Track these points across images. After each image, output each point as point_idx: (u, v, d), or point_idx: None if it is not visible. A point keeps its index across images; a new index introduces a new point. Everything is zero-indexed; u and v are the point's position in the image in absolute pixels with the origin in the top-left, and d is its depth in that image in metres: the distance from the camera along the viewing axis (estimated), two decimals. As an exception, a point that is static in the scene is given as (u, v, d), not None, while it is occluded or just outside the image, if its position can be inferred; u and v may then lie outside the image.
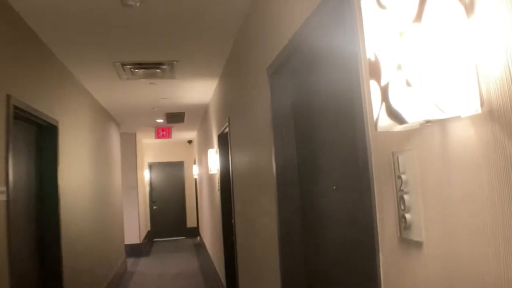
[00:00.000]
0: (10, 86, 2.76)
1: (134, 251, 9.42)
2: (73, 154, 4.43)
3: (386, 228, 1.18)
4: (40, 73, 3.46)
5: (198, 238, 11.72)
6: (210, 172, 6.45)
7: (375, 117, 0.90)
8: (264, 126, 2.63)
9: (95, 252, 5.40)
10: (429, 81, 0.77)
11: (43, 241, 3.56)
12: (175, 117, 7.81)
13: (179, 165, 12.88)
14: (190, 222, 12.72)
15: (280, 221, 2.31)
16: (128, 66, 4.41)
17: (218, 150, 5.55)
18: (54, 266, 3.62)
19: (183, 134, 10.82)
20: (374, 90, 0.90)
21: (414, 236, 1.03)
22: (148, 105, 6.69)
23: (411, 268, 1.06)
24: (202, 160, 8.60)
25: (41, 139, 3.62)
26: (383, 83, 0.86)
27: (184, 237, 12.50)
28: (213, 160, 6.08)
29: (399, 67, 0.82)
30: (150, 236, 11.95)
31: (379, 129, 0.90)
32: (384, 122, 0.87)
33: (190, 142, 12.71)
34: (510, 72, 0.72)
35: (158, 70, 4.63)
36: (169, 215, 12.62)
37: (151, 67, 4.51)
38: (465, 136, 0.84)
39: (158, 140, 11.19)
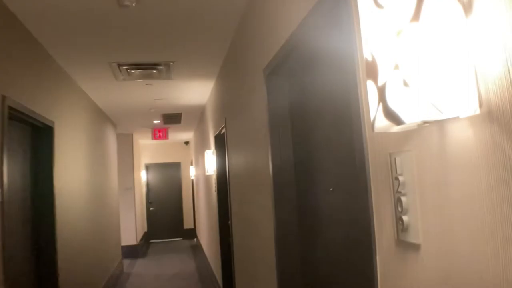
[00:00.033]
0: (5, 87, 2.74)
1: (131, 252, 9.39)
2: (69, 155, 4.41)
3: (383, 230, 1.17)
4: (36, 74, 3.44)
5: (195, 239, 11.70)
6: (207, 173, 6.44)
7: (372, 118, 0.89)
8: (261, 127, 2.62)
9: (91, 253, 5.38)
10: (427, 81, 0.76)
11: (39, 242, 3.54)
12: (172, 118, 7.80)
13: (176, 166, 12.86)
14: (187, 223, 12.70)
15: (277, 222, 2.30)
16: (125, 67, 4.40)
17: (214, 151, 5.54)
18: (49, 267, 3.60)
19: (180, 135, 10.81)
20: (371, 90, 0.89)
21: (412, 238, 1.02)
22: (145, 106, 6.67)
23: (409, 270, 1.05)
24: (199, 161, 8.59)
25: (37, 140, 3.60)
26: (380, 83, 0.85)
27: (181, 239, 12.47)
28: (210, 161, 6.07)
29: (396, 67, 0.80)
30: (147, 237, 11.92)
31: (376, 130, 0.89)
32: (381, 122, 0.86)
33: (187, 143, 12.69)
34: (509, 72, 0.71)
35: (155, 71, 4.61)
36: (166, 216, 12.59)
37: (147, 68, 4.50)
38: (464, 137, 0.83)
39: (155, 141, 11.16)
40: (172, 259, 9.37)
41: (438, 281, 0.93)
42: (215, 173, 5.54)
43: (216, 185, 5.50)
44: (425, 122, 0.86)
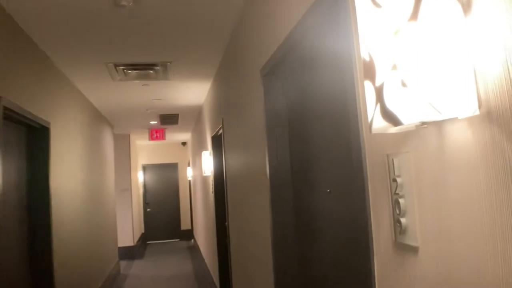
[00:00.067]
0: (0, 87, 2.72)
1: (128, 253, 9.36)
2: (66, 156, 4.39)
3: (380, 233, 1.16)
4: (31, 74, 3.42)
5: (192, 240, 11.68)
6: (204, 174, 6.42)
7: (369, 119, 0.88)
8: (258, 127, 2.60)
9: (88, 254, 5.35)
10: (425, 81, 0.75)
11: (34, 243, 3.52)
12: (169, 119, 7.78)
13: (173, 167, 12.83)
14: (184, 225, 12.67)
15: (274, 223, 2.29)
16: (121, 67, 4.38)
17: (212, 152, 5.52)
18: (45, 268, 3.58)
19: (177, 135, 10.78)
20: (368, 90, 0.88)
21: (410, 240, 1.01)
22: (142, 107, 6.65)
23: (407, 273, 1.03)
24: (196, 162, 8.57)
25: (33, 141, 3.58)
26: (377, 84, 0.84)
27: (178, 240, 12.45)
28: (207, 162, 6.05)
29: (394, 67, 0.79)
30: (144, 239, 11.88)
31: (373, 131, 0.88)
32: (378, 123, 0.85)
33: (184, 144, 12.67)
34: (509, 72, 0.70)
35: (151, 71, 4.59)
36: (163, 217, 12.56)
37: (144, 68, 4.48)
38: (463, 138, 0.82)
39: (152, 142, 11.14)
40: (169, 261, 9.35)
41: (437, 284, 0.92)
42: (212, 174, 5.53)
43: (213, 186, 5.49)
44: (424, 123, 0.84)
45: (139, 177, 11.98)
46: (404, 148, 1.03)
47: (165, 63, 4.34)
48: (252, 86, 2.75)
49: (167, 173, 12.79)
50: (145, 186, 12.65)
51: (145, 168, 12.66)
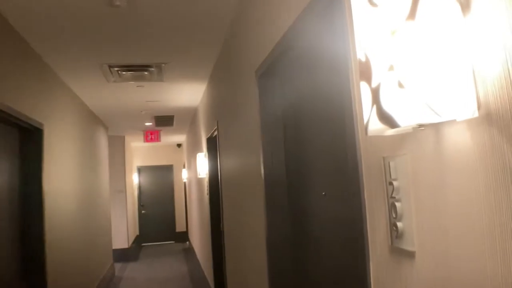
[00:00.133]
0: (-8, 88, 2.69)
1: (122, 255, 9.32)
2: (59, 158, 4.35)
3: (376, 237, 1.14)
4: (24, 75, 3.38)
5: (187, 242, 11.63)
6: (199, 176, 6.40)
7: (365, 121, 0.86)
8: (253, 129, 2.58)
9: (82, 256, 5.31)
10: (423, 82, 0.73)
11: (27, 246, 3.48)
12: (164, 120, 7.75)
13: (168, 168, 12.78)
14: (179, 227, 12.62)
15: (269, 225, 2.27)
16: (116, 68, 4.35)
17: (207, 154, 5.50)
18: (38, 270, 3.54)
19: (172, 137, 10.75)
20: (364, 92, 0.86)
21: (406, 245, 0.99)
22: (136, 108, 6.61)
23: (403, 278, 1.01)
24: (191, 164, 8.54)
25: (25, 143, 3.53)
26: (374, 85, 0.82)
27: (173, 242, 12.40)
28: (202, 164, 6.03)
29: (391, 67, 0.77)
30: (139, 241, 11.83)
31: (369, 133, 0.86)
32: (375, 125, 0.82)
33: (179, 145, 12.63)
34: (509, 73, 0.68)
35: (146, 73, 4.56)
36: (158, 219, 12.51)
37: (138, 69, 4.45)
38: (461, 140, 0.80)
39: (147, 144, 11.10)
40: (164, 263, 9.31)
41: (434, 290, 0.90)
42: (207, 176, 5.50)
43: (208, 188, 5.47)
44: (421, 125, 0.82)
45: (134, 179, 11.93)
46: (400, 150, 1.01)
47: (160, 64, 4.32)
48: (247, 88, 2.73)
49: (162, 175, 12.74)
50: (140, 188, 12.60)
51: (140, 170, 12.61)
